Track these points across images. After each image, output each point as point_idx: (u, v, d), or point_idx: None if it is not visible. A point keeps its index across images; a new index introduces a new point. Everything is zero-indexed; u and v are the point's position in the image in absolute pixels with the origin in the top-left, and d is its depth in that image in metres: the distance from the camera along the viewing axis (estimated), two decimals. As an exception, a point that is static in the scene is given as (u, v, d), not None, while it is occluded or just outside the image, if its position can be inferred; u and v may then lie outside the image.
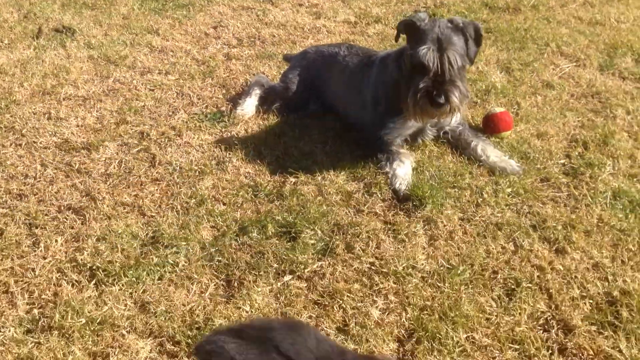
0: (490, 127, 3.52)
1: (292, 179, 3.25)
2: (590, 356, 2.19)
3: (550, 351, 2.23)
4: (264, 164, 3.39)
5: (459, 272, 2.58)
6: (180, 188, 3.23)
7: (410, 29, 3.22)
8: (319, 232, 2.85)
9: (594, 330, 2.29)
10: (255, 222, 2.92)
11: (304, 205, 3.02)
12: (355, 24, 5.37)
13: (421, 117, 3.19)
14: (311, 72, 3.94)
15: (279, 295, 2.54)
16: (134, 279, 2.61)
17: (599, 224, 2.83)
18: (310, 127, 3.73)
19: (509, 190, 3.07)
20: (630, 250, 2.67)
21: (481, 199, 3.02)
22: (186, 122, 3.84)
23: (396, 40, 3.44)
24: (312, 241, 2.79)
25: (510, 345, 2.26)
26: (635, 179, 3.13)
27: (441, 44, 3.06)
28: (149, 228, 2.93)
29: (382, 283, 2.56)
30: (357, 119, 3.64)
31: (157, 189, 3.24)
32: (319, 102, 3.92)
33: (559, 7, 5.56)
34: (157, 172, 3.37)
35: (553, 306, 2.41)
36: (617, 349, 2.20)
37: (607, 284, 2.50)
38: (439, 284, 2.54)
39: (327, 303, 2.49)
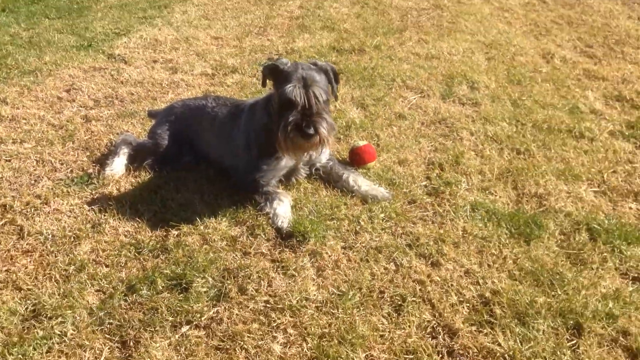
0: (356, 159, 3.77)
1: (175, 232, 3.25)
2: (475, 354, 2.42)
3: (440, 355, 2.43)
4: (143, 220, 3.36)
5: (349, 297, 2.73)
6: (56, 257, 3.11)
7: (275, 73, 3.39)
8: (210, 279, 2.88)
9: (475, 330, 2.53)
10: (142, 279, 2.89)
11: (190, 255, 3.04)
12: (213, 76, 5.50)
13: (293, 151, 3.31)
14: (180, 125, 3.98)
15: (178, 347, 2.53)
16: (20, 356, 2.47)
17: (464, 235, 3.13)
18: (185, 178, 3.76)
19: (382, 215, 3.30)
20: (493, 254, 2.98)
21: (359, 227, 3.22)
22: (52, 189, 3.70)
23: (263, 85, 3.56)
24: (204, 289, 2.82)
25: (405, 356, 2.43)
26: (487, 191, 3.50)
27: (306, 81, 3.25)
28: (28, 302, 2.79)
29: (279, 319, 2.64)
30: (231, 166, 3.73)
31: (30, 261, 3.09)
32: (191, 154, 3.95)
33: (398, 46, 6.08)
34: (27, 244, 3.21)
35: (437, 314, 2.63)
36: (497, 343, 2.45)
37: (479, 287, 2.77)
38: (333, 311, 2.67)
39: (228, 347, 2.52)
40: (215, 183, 3.71)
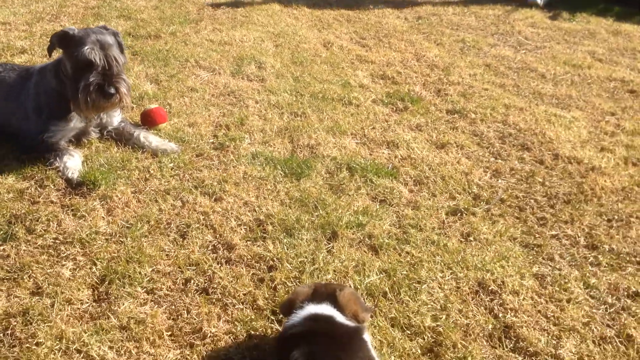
0: (148, 120, 4.01)
1: (-43, 189, 3.22)
2: (249, 259, 2.81)
3: (219, 264, 2.78)
4: None
5: (138, 228, 2.97)
6: None
7: (64, 40, 3.50)
8: (-4, 224, 2.93)
9: (250, 243, 2.92)
10: None
11: (-26, 206, 3.05)
12: (6, 62, 5.34)
13: (93, 110, 3.46)
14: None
15: (-37, 281, 2.58)
16: None
17: (245, 176, 3.53)
18: (-33, 143, 3.70)
19: (171, 164, 3.58)
20: (269, 189, 3.41)
21: (149, 175, 3.47)
22: None
23: (49, 54, 3.64)
24: (-9, 233, 2.87)
25: (188, 267, 2.73)
26: (267, 144, 3.95)
27: (102, 44, 3.42)
28: None
29: (68, 250, 2.80)
30: (21, 129, 3.73)
31: None
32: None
33: (193, 34, 6.39)
34: None
35: (218, 236, 2.98)
36: (268, 250, 2.87)
37: (255, 213, 3.18)
38: (122, 240, 2.89)
39: (16, 277, 2.62)
40: (2, 146, 3.70)
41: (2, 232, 2.89)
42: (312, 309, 2.08)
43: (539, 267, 2.87)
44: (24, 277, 2.61)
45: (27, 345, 2.24)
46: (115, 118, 3.85)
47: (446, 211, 3.34)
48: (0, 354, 2.21)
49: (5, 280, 2.60)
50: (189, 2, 7.86)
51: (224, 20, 7.03)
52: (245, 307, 2.51)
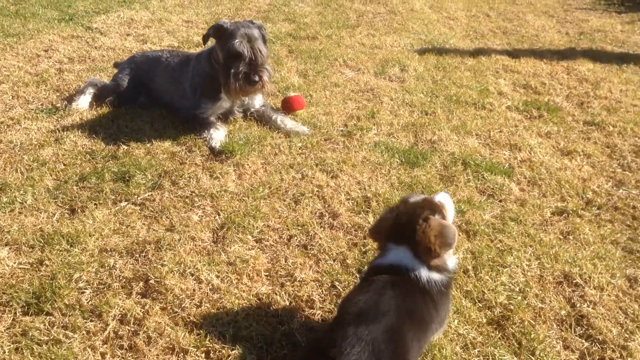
0: (287, 106, 4.47)
1: (125, 147, 3.89)
2: (349, 227, 3.09)
3: (322, 227, 3.10)
4: (99, 138, 4.00)
5: (260, 191, 3.39)
6: (22, 157, 3.73)
7: (219, 32, 4.08)
8: (149, 175, 3.52)
9: (353, 215, 3.21)
10: (93, 172, 3.53)
11: (135, 161, 3.68)
12: (178, 48, 6.17)
13: (240, 94, 4.00)
14: (139, 72, 4.64)
15: (117, 214, 3.17)
16: (-13, 211, 3.09)
17: (363, 160, 3.83)
18: (141, 114, 4.41)
19: (300, 144, 3.99)
20: (383, 173, 3.68)
21: (279, 151, 3.90)
22: (23, 114, 4.33)
23: (204, 42, 4.24)
24: (144, 181, 3.46)
25: (294, 227, 3.09)
26: (391, 136, 4.21)
27: (249, 37, 3.96)
28: (-4, 183, 3.41)
29: (200, 201, 3.29)
30: (180, 105, 4.39)
31: None
32: (147, 96, 4.61)
33: (347, 37, 6.84)
34: (-1, 148, 3.83)
35: (327, 206, 3.31)
36: (367, 221, 3.14)
37: (364, 191, 3.46)
38: (244, 199, 3.33)
39: (156, 215, 3.16)
40: (166, 118, 4.36)
41: (152, 182, 3.46)
42: (391, 256, 2.10)
43: (634, 270, 2.82)
44: (162, 217, 3.14)
45: (155, 265, 2.73)
46: (257, 101, 4.35)
47: (552, 211, 3.36)
48: (134, 268, 2.72)
49: (148, 217, 3.15)
50: (350, 9, 8.35)
51: (380, 27, 7.40)
52: (335, 263, 2.80)
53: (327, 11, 8.20)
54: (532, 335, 2.38)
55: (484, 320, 2.46)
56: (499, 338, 2.39)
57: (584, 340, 2.39)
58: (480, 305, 2.55)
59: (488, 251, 2.91)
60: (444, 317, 2.14)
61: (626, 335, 2.41)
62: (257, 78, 3.92)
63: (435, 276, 2.08)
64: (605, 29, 7.68)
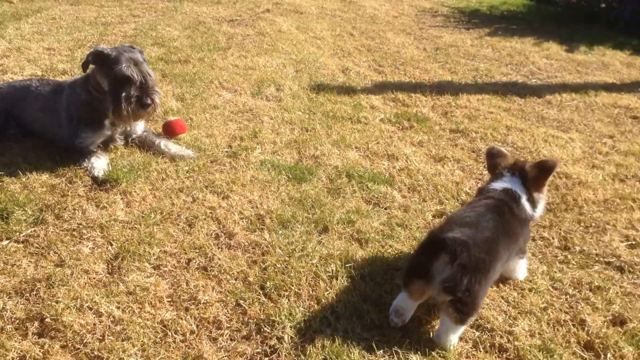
0: (169, 131, 4.43)
1: (-2, 182, 3.67)
2: (246, 246, 3.15)
3: (219, 248, 3.12)
4: (-33, 175, 3.73)
5: (151, 217, 3.35)
6: None
7: (99, 58, 3.95)
8: (29, 210, 3.35)
9: (249, 233, 3.27)
10: (-34, 212, 3.29)
11: (12, 196, 3.48)
12: (42, 77, 5.88)
13: (132, 118, 3.90)
14: (6, 103, 4.38)
15: (-2, 254, 2.98)
16: None
17: (252, 179, 3.90)
18: (11, 147, 4.16)
19: (187, 168, 3.97)
20: (272, 190, 3.77)
21: (166, 176, 3.86)
22: None
23: (84, 69, 4.10)
24: (24, 217, 3.29)
25: (192, 250, 3.09)
26: (276, 154, 4.32)
27: (135, 61, 3.90)
28: None
29: (89, 233, 3.19)
30: (56, 136, 4.19)
31: None
32: (17, 128, 4.36)
33: (220, 59, 6.88)
34: None
35: (221, 226, 3.33)
36: (263, 238, 3.21)
37: (256, 209, 3.53)
38: (136, 227, 3.27)
39: (43, 252, 3.02)
40: (40, 150, 4.15)
41: (33, 217, 3.30)
42: (505, 180, 2.84)
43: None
44: (50, 253, 3.00)
45: (49, 302, 2.61)
46: (139, 127, 4.28)
47: (433, 214, 3.63)
48: (26, 308, 2.59)
49: (34, 254, 3.00)
50: (219, 32, 8.40)
51: (251, 48, 7.52)
52: (237, 282, 2.84)
53: (196, 34, 8.19)
54: (429, 330, 2.57)
55: (386, 322, 2.61)
56: (400, 337, 2.55)
57: (475, 330, 2.62)
58: (380, 308, 2.71)
59: (381, 257, 3.09)
60: (527, 238, 2.86)
61: (510, 321, 2.68)
62: (149, 101, 3.87)
63: (528, 207, 2.76)
64: (458, 44, 8.35)
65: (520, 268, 2.92)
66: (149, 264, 2.95)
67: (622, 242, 3.45)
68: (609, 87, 6.67)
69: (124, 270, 2.87)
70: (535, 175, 2.75)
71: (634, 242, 3.43)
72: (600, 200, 3.89)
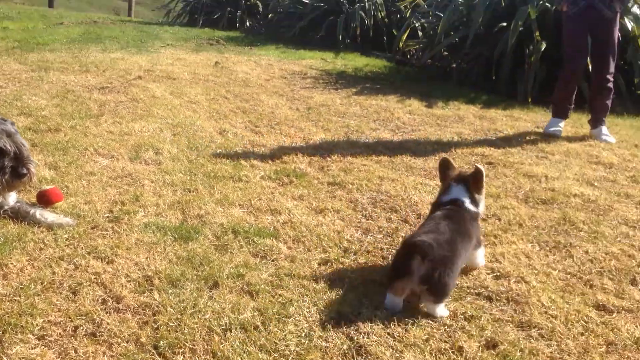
0: (44, 200, 4.29)
1: None
2: (135, 308, 3.11)
3: (108, 313, 3.06)
4: None
5: (31, 288, 3.22)
6: None
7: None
8: None
9: (138, 295, 3.24)
10: None
11: None
12: None
13: (7, 190, 3.86)
14: None
15: None
16: None
17: (137, 242, 3.87)
18: None
19: (66, 236, 3.87)
20: (159, 251, 3.76)
21: (44, 245, 3.73)
22: None
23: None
24: None
25: (78, 317, 3.01)
26: (159, 216, 4.32)
27: (8, 133, 3.86)
28: None
29: (-38, 310, 3.00)
30: None
31: None
32: None
33: (93, 127, 6.77)
34: None
35: (108, 291, 3.27)
36: (153, 299, 3.19)
37: (144, 270, 3.50)
38: (16, 298, 3.13)
39: None
40: None
41: None
42: (454, 191, 3.68)
43: (391, 298, 3.35)
44: None
45: None
46: (11, 198, 4.13)
47: (318, 262, 3.80)
48: None
49: None
50: (90, 100, 8.26)
51: (125, 115, 7.47)
52: (129, 344, 2.80)
53: (66, 103, 7.99)
54: (324, 368, 2.68)
55: (283, 365, 2.69)
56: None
57: (365, 366, 2.77)
58: (276, 355, 2.79)
59: (272, 306, 3.19)
60: (479, 237, 3.68)
61: (397, 354, 2.86)
62: (25, 171, 3.84)
63: (472, 207, 3.63)
64: (328, 104, 8.81)
65: (479, 256, 3.75)
66: (33, 335, 2.83)
67: (488, 274, 3.79)
68: (466, 137, 7.35)
69: (7, 344, 2.73)
70: (473, 181, 3.62)
71: (498, 274, 3.78)
72: (467, 238, 4.25)
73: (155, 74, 9.82)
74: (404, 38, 12.46)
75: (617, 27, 7.34)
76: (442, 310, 3.20)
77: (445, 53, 12.01)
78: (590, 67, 7.78)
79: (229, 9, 18.49)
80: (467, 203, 3.60)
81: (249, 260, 3.72)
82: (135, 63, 10.50)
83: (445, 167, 3.80)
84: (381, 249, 4.07)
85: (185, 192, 4.84)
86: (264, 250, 3.90)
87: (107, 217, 4.26)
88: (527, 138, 7.36)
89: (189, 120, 7.37)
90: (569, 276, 3.82)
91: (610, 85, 7.41)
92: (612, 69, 7.30)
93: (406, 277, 3.10)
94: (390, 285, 3.22)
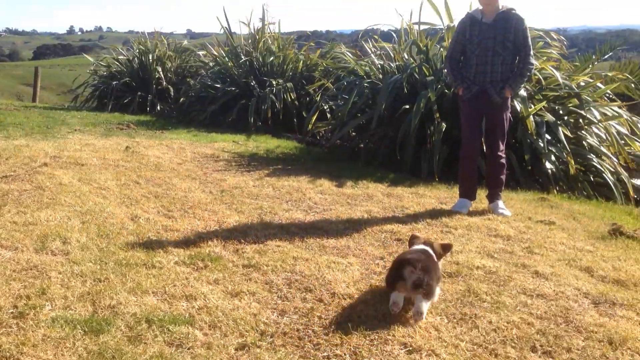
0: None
1: None
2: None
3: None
4: None
5: None
6: None
7: None
8: None
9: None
10: None
11: None
12: None
13: None
14: None
15: None
16: None
17: (44, 338, 3.72)
18: None
19: (-34, 336, 3.66)
20: (68, 347, 3.63)
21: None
22: None
23: None
24: None
25: None
26: (68, 309, 4.18)
27: None
28: None
29: None
30: None
31: None
32: None
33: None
34: None
35: (13, 393, 3.11)
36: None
37: (52, 368, 3.36)
38: None
39: None
40: None
41: None
42: (419, 247, 4.81)
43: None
44: None
45: None
46: None
47: (235, 347, 3.79)
48: None
49: None
50: (-8, 188, 7.96)
51: (30, 204, 7.23)
52: None
53: (-35, 192, 7.66)
54: None
55: None
56: None
57: None
58: None
59: (189, 396, 3.14)
60: (440, 277, 4.66)
61: None
62: None
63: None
64: (241, 186, 8.93)
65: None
66: None
67: (401, 349, 3.91)
68: (375, 215, 7.63)
69: None
70: (440, 252, 4.90)
71: (410, 348, 3.91)
72: (379, 315, 4.38)
73: (62, 160, 9.63)
74: (314, 120, 12.95)
75: (509, 109, 8.01)
76: (425, 307, 4.25)
77: (354, 134, 12.57)
78: (484, 146, 8.37)
79: (139, 93, 18.57)
80: (433, 254, 4.75)
81: (164, 350, 3.66)
82: (41, 150, 10.28)
83: (414, 241, 5.01)
84: (297, 330, 4.12)
85: (95, 282, 4.73)
86: (179, 339, 3.85)
87: (12, 313, 4.08)
88: (432, 214, 7.73)
89: (99, 207, 7.24)
90: (475, 346, 4.01)
91: (503, 161, 8.00)
92: (502, 147, 7.91)
93: (403, 281, 4.27)
94: (394, 285, 4.37)
